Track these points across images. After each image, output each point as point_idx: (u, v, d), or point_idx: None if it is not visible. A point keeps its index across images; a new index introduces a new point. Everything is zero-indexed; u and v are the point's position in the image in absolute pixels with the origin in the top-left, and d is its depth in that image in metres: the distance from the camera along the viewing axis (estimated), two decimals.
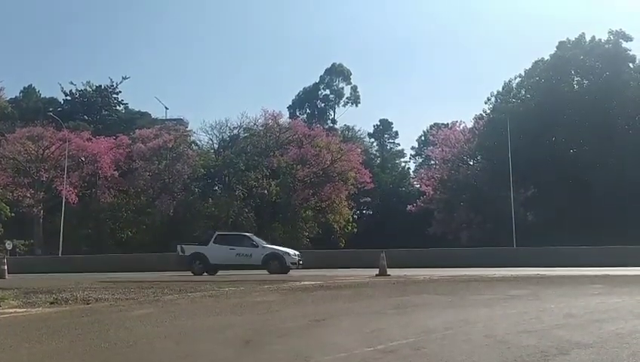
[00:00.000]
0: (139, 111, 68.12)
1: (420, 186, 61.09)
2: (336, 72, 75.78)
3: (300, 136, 54.19)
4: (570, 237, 35.59)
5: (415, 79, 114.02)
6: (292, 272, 22.39)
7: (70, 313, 10.28)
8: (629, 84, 47.60)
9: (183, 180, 52.44)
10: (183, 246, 25.34)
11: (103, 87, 67.45)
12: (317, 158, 52.05)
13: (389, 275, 18.16)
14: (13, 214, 45.91)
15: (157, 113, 70.94)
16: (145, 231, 49.97)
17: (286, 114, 66.81)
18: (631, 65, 49.14)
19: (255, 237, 26.07)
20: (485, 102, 56.10)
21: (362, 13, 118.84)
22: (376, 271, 19.09)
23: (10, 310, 10.77)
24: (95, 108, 67.00)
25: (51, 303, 11.80)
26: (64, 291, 13.91)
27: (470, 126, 56.95)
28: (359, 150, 58.06)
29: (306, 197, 51.06)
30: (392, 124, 78.52)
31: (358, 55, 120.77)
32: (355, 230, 54.42)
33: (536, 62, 52.89)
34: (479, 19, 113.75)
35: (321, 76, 76.01)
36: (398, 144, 79.47)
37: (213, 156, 56.19)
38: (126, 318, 9.29)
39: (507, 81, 55.13)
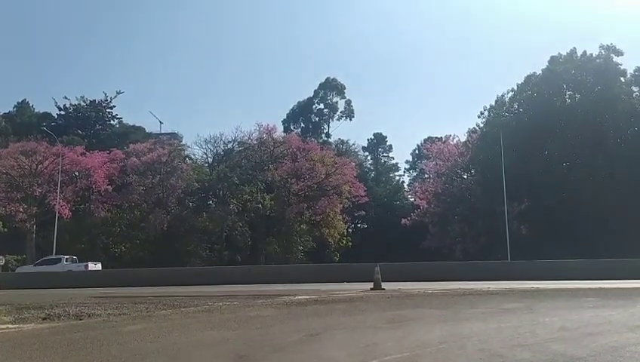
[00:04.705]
0: (133, 126, 68.15)
1: (415, 200, 61.20)
2: (331, 87, 76.21)
3: (295, 149, 54.24)
4: (563, 250, 35.66)
5: (409, 93, 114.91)
6: (285, 286, 22.22)
7: (62, 329, 10.20)
8: (621, 98, 47.95)
9: (177, 194, 52.31)
10: None
11: (97, 101, 67.66)
12: (311, 172, 52.05)
13: (383, 289, 18.10)
14: (5, 229, 45.55)
15: (151, 127, 71.32)
16: (139, 245, 49.69)
17: (280, 128, 67.39)
18: (622, 79, 49.53)
19: None
20: (478, 116, 56.49)
21: (356, 29, 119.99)
22: (370, 284, 19.03)
23: (2, 326, 10.67)
24: (89, 123, 67.04)
25: (44, 319, 11.71)
26: (56, 307, 13.83)
27: (464, 140, 57.25)
28: (353, 164, 58.18)
29: (301, 211, 50.97)
30: (386, 137, 79.08)
31: (352, 70, 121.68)
32: (350, 244, 54.34)
33: (528, 76, 53.31)
34: (472, 35, 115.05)
35: (315, 90, 76.57)
36: (392, 158, 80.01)
37: (208, 170, 56.14)
38: (119, 334, 9.22)
39: (500, 95, 55.59)
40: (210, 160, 57.96)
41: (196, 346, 7.84)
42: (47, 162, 48.41)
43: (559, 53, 52.15)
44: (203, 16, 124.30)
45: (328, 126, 76.82)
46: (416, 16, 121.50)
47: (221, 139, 56.55)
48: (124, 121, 69.35)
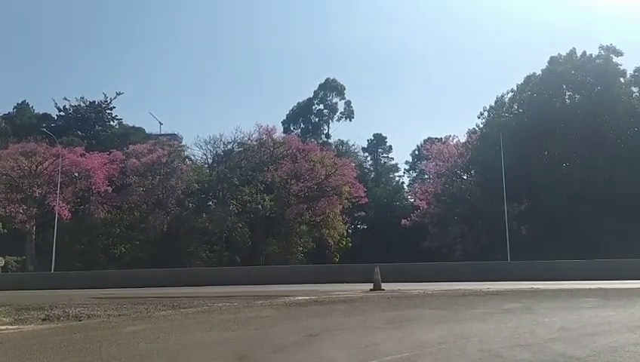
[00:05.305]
0: (133, 127, 68.10)
1: (414, 200, 61.16)
2: (330, 87, 76.17)
3: (294, 150, 54.17)
4: (563, 250, 35.64)
5: (409, 93, 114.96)
6: (285, 287, 22.22)
7: (62, 330, 10.19)
8: (620, 98, 47.99)
9: (176, 195, 52.27)
10: None
11: (96, 102, 67.53)
12: (311, 173, 52.02)
13: (383, 289, 18.08)
14: (5, 230, 45.54)
15: (151, 128, 71.27)
16: (138, 246, 49.64)
17: (280, 128, 67.34)
18: (622, 79, 49.54)
19: None
20: (478, 117, 56.47)
21: (356, 29, 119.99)
22: (370, 285, 19.01)
23: (2, 327, 10.67)
24: (89, 124, 66.93)
25: (43, 320, 11.71)
26: (56, 308, 13.82)
27: (463, 140, 57.19)
28: (353, 165, 58.14)
29: (301, 212, 50.89)
30: (385, 138, 78.88)
31: (352, 70, 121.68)
32: (350, 244, 54.33)
33: (528, 76, 53.28)
34: (472, 35, 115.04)
35: (315, 91, 76.50)
36: (392, 158, 79.79)
37: (207, 171, 56.11)
38: (118, 335, 9.21)
39: (500, 95, 55.60)
40: (209, 161, 57.94)
41: (196, 347, 7.84)
42: (46, 163, 48.44)
43: (559, 54, 52.15)
44: (203, 16, 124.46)
45: (328, 127, 76.90)
46: (416, 17, 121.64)
47: (221, 140, 56.56)
48: (123, 122, 69.36)
